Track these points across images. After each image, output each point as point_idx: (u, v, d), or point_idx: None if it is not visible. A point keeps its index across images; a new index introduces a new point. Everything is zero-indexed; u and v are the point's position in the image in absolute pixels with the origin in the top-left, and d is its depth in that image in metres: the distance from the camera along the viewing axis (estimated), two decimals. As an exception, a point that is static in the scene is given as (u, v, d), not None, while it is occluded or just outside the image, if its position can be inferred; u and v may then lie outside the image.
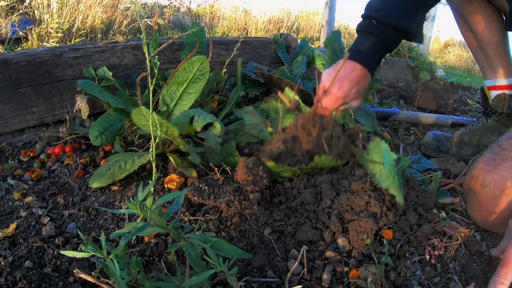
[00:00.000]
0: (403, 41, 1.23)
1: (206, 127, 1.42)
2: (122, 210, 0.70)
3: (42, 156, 1.29)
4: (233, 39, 1.96)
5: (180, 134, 1.14)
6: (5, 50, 2.17)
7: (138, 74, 1.55)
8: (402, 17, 1.11)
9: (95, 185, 1.08)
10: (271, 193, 1.06)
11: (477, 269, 0.86)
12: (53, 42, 2.54)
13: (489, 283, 0.72)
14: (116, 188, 1.12)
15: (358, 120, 1.34)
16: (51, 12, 2.76)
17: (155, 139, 0.90)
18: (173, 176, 1.10)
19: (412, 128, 1.86)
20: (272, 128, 1.31)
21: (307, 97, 1.44)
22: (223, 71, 1.52)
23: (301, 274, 0.79)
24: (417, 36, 1.17)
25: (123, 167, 1.09)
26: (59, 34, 2.62)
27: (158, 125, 1.03)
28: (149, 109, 0.88)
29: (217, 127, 1.05)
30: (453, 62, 6.43)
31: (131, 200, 0.66)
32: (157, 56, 0.91)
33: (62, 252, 0.71)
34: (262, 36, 4.95)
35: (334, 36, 1.47)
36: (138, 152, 1.13)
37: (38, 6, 2.79)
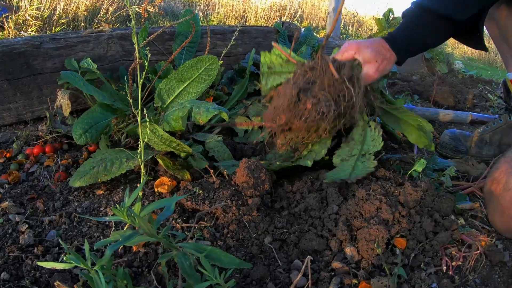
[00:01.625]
0: None
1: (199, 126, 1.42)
2: (108, 218, 0.70)
3: (19, 157, 1.29)
4: (230, 28, 1.96)
5: (172, 133, 1.13)
6: (-21, 40, 2.17)
7: (125, 66, 1.55)
8: (447, 3, 1.08)
9: (76, 184, 1.07)
10: (272, 198, 1.06)
11: (499, 281, 0.86)
12: (31, 31, 2.53)
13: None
14: (101, 192, 1.12)
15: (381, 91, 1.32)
16: (29, -2, 2.76)
17: (145, 142, 0.90)
18: (164, 179, 1.10)
19: (427, 126, 1.85)
20: (265, 84, 1.27)
21: None
22: (219, 63, 1.52)
23: (305, 287, 0.79)
24: (471, 34, 1.15)
25: (109, 168, 1.09)
26: (38, 23, 2.62)
27: (163, 140, 1.03)
28: (138, 105, 0.88)
29: (224, 117, 1.05)
30: (472, 53, 6.44)
31: (118, 205, 0.66)
32: (148, 47, 0.91)
33: (39, 263, 0.71)
34: (262, 24, 4.95)
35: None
36: (126, 153, 1.13)
37: (16, -8, 2.79)
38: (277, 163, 1.11)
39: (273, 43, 1.22)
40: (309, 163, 1.08)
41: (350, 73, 1.04)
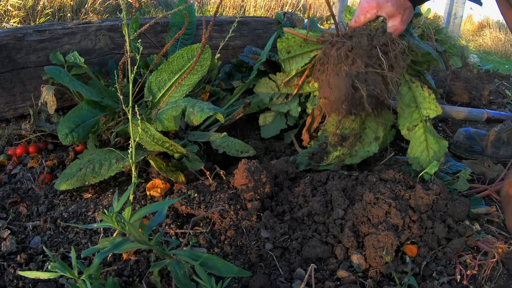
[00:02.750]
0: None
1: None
2: (95, 225, 0.70)
3: (1, 158, 1.29)
4: (227, 18, 1.96)
5: (165, 132, 1.14)
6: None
7: (115, 60, 1.55)
8: None
9: (62, 187, 1.07)
10: (273, 202, 1.06)
11: (517, 291, 0.86)
12: (14, 22, 2.53)
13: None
14: (89, 195, 1.12)
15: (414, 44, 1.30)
16: (11, -13, 2.75)
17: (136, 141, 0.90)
18: (157, 181, 1.10)
19: (440, 124, 1.86)
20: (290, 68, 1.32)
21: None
22: (216, 57, 1.52)
23: (308, 298, 0.79)
24: None
25: (97, 170, 1.09)
26: (21, 13, 2.62)
27: (156, 140, 1.04)
28: (128, 101, 0.88)
29: (220, 118, 1.05)
30: (488, 46, 6.44)
31: (106, 210, 0.66)
32: (139, 40, 0.91)
33: (21, 273, 0.70)
34: (262, 15, 4.95)
35: None
36: (116, 153, 1.13)
37: (-4, -20, 2.79)
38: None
39: (284, 28, 1.29)
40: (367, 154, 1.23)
41: (386, 38, 1.11)
